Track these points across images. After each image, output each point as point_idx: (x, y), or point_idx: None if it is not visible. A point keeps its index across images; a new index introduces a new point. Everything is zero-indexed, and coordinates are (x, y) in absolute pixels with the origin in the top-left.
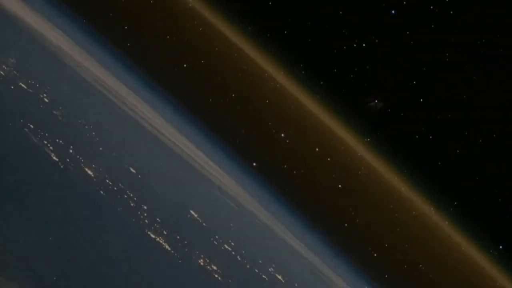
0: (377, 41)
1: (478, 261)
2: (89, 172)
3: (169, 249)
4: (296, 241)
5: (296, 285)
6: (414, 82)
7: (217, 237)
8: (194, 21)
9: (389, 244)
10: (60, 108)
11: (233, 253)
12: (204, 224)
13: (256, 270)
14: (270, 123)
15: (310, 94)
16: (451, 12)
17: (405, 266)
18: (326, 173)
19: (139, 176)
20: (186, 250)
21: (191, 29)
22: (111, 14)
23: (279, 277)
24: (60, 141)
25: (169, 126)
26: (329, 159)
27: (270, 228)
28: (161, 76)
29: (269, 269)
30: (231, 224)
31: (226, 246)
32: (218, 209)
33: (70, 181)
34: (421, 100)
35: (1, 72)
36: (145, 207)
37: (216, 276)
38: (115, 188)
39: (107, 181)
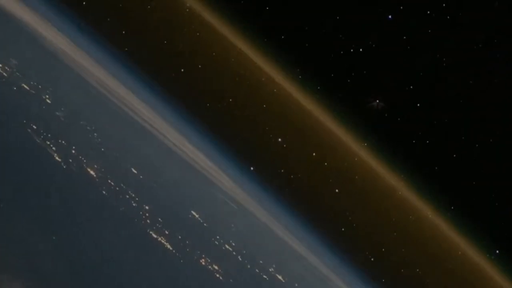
0: (374, 46)
1: (476, 265)
2: (91, 172)
3: (170, 248)
4: (296, 242)
5: (296, 285)
6: (411, 87)
7: (218, 237)
8: (192, 25)
9: (386, 249)
10: (62, 109)
11: (234, 253)
12: (205, 224)
13: (257, 270)
14: (267, 128)
15: (307, 99)
16: (448, 16)
17: (402, 270)
18: (323, 178)
19: (141, 176)
20: (187, 250)
21: (188, 34)
22: (112, 17)
23: (280, 277)
24: (63, 142)
25: (169, 127)
26: (326, 163)
27: (270, 229)
28: (160, 79)
29: (270, 269)
30: (232, 225)
31: (227, 246)
32: (219, 209)
33: (72, 181)
34: (418, 104)
35: (4, 73)
36: (146, 207)
37: (217, 275)
38: (117, 188)
39: (109, 181)
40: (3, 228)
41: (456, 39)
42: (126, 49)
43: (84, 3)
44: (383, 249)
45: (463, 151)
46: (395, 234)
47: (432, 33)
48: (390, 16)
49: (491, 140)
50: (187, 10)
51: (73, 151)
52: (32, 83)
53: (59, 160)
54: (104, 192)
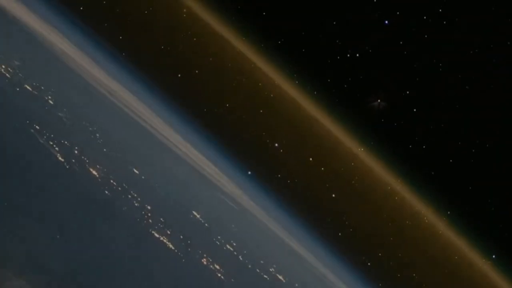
0: (370, 50)
1: (472, 269)
2: (94, 172)
3: (172, 248)
4: (296, 243)
5: (296, 285)
6: (408, 92)
7: (219, 237)
8: (188, 31)
9: (382, 253)
10: (65, 110)
11: (235, 253)
12: (206, 224)
13: (258, 270)
14: (264, 133)
15: (304, 104)
16: (444, 21)
17: (399, 274)
18: (320, 183)
19: (143, 177)
20: (189, 249)
21: (185, 39)
22: (114, 22)
23: (280, 277)
24: (66, 142)
25: (171, 129)
26: (323, 168)
27: (271, 230)
28: (160, 81)
29: (270, 269)
30: (233, 225)
31: (228, 246)
32: (220, 210)
33: (75, 181)
34: (414, 110)
35: (7, 74)
36: (148, 207)
37: (219, 275)
38: (119, 189)
39: (112, 181)
40: (7, 226)
41: (452, 44)
42: (127, 51)
43: (83, 7)
44: (380, 254)
45: (459, 156)
46: (391, 238)
47: (428, 37)
48: (387, 21)
49: (487, 145)
50: (184, 15)
51: (76, 152)
52: (34, 84)
53: (62, 160)
54: (106, 192)
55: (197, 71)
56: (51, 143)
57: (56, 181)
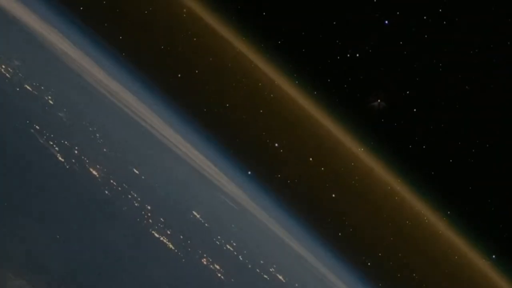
0: (370, 50)
1: (472, 269)
2: (94, 172)
3: (172, 248)
4: (296, 243)
5: (296, 285)
6: (408, 92)
7: (219, 237)
8: (188, 31)
9: (382, 253)
10: (65, 110)
11: (235, 253)
12: (206, 224)
13: (258, 270)
14: (264, 133)
15: (304, 104)
16: (444, 22)
17: (399, 274)
18: (320, 183)
19: (143, 177)
20: (189, 249)
21: (185, 39)
22: (114, 22)
23: (280, 277)
24: (65, 142)
25: (170, 129)
26: (322, 168)
27: (271, 230)
28: (159, 82)
29: (270, 269)
30: (233, 225)
31: (228, 246)
32: (220, 210)
33: (75, 181)
34: (414, 110)
35: (7, 75)
36: (148, 207)
37: (219, 275)
38: (119, 188)
39: (112, 181)
40: (7, 226)
41: (452, 44)
42: (127, 51)
43: (83, 7)
44: (380, 254)
45: (459, 156)
46: (391, 238)
47: (428, 38)
48: (387, 21)
49: (487, 146)
50: (184, 15)
51: (76, 151)
52: (34, 84)
53: (62, 160)
54: (106, 192)
55: (197, 71)
56: (51, 143)
57: (56, 181)
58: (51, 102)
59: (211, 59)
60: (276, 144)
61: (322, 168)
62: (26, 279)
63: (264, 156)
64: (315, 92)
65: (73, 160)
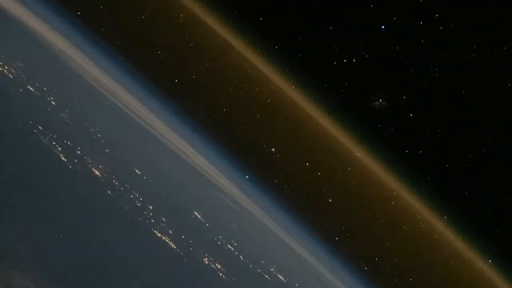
0: (367, 56)
1: (469, 274)
2: (96, 172)
3: (174, 247)
4: (296, 243)
5: (296, 285)
6: (404, 97)
7: (220, 237)
8: (187, 34)
9: (379, 258)
10: (67, 111)
11: (236, 252)
12: (207, 224)
13: (258, 270)
14: (260, 138)
15: (301, 109)
16: (440, 27)
17: (395, 279)
18: (316, 188)
19: (144, 177)
20: (190, 249)
21: (183, 43)
22: (115, 22)
23: (280, 277)
24: (68, 143)
25: (171, 130)
26: (319, 173)
27: (271, 230)
28: (160, 84)
29: (271, 269)
30: (234, 225)
31: (229, 246)
32: (221, 210)
33: (78, 181)
34: (411, 115)
35: (9, 75)
36: (150, 207)
37: (220, 274)
38: (122, 189)
39: (114, 181)
40: (12, 225)
41: (449, 49)
42: (127, 52)
43: (83, 7)
44: (377, 258)
45: (455, 161)
46: (388, 243)
47: (424, 43)
48: (383, 27)
49: (486, 147)
50: (181, 20)
51: (78, 152)
52: (37, 85)
53: (65, 160)
54: (109, 192)
55: (194, 76)
56: (54, 143)
57: (59, 181)
58: (53, 103)
59: (208, 64)
60: (273, 149)
61: (319, 173)
62: (27, 279)
63: (261, 161)
64: (312, 97)
65: (76, 160)
